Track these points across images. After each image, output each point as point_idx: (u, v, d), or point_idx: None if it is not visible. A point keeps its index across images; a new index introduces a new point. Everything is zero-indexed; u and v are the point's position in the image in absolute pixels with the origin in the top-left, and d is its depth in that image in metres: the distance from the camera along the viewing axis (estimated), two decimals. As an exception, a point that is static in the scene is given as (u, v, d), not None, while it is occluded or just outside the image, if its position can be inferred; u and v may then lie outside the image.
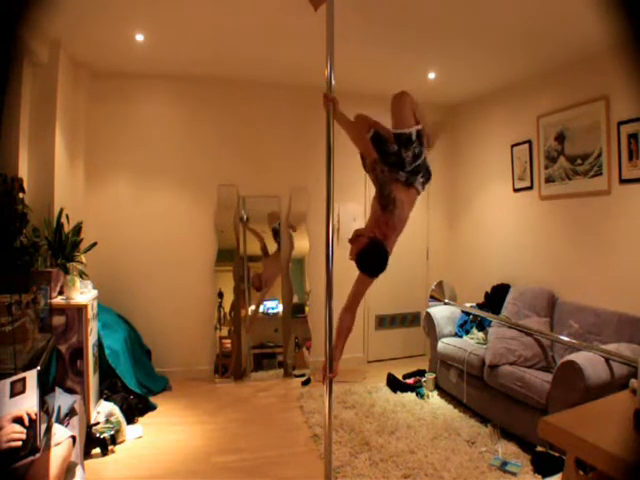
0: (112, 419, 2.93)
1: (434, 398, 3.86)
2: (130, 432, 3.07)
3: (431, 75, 4.16)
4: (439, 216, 5.28)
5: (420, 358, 4.94)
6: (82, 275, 3.18)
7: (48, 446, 1.68)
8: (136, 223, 4.24)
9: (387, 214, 2.05)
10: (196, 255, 4.38)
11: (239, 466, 2.73)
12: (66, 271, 3.00)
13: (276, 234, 4.55)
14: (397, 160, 2.10)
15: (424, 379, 4.08)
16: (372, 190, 2.10)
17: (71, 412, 2.28)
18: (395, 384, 4.08)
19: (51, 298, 2.75)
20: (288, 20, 3.02)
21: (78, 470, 1.91)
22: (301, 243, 4.59)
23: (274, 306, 4.55)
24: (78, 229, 3.23)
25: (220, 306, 4.36)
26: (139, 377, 3.70)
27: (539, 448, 2.66)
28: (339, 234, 4.69)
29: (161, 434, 3.13)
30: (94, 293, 3.26)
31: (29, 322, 2.20)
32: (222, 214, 4.44)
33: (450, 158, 5.20)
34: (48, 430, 1.76)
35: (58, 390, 2.45)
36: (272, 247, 4.55)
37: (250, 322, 4.42)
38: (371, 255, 1.98)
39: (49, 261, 2.99)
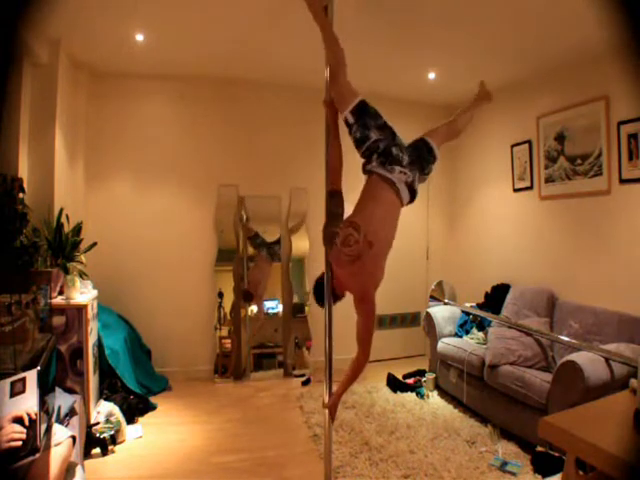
0: (112, 419, 2.93)
1: (434, 398, 3.86)
2: (130, 432, 3.07)
3: (431, 75, 4.16)
4: (439, 216, 5.29)
5: (420, 358, 4.95)
6: (82, 275, 3.18)
7: (48, 446, 1.67)
8: (136, 223, 4.24)
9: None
10: (196, 255, 4.38)
11: (239, 466, 2.73)
12: (66, 271, 3.00)
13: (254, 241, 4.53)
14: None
15: (424, 379, 4.08)
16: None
17: (71, 412, 2.28)
18: (395, 384, 4.08)
19: (51, 298, 2.75)
20: (288, 20, 3.02)
21: (78, 470, 1.91)
22: (301, 243, 4.59)
23: (274, 306, 4.55)
24: (78, 229, 3.23)
25: (220, 306, 4.36)
26: (139, 377, 3.70)
27: (539, 448, 2.66)
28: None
29: (161, 434, 3.13)
30: (94, 293, 3.26)
31: (29, 322, 2.20)
32: (222, 214, 4.44)
33: (450, 158, 5.20)
34: (48, 430, 1.76)
35: (58, 390, 2.44)
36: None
37: (259, 328, 4.44)
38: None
39: (49, 261, 2.99)
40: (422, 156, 1.95)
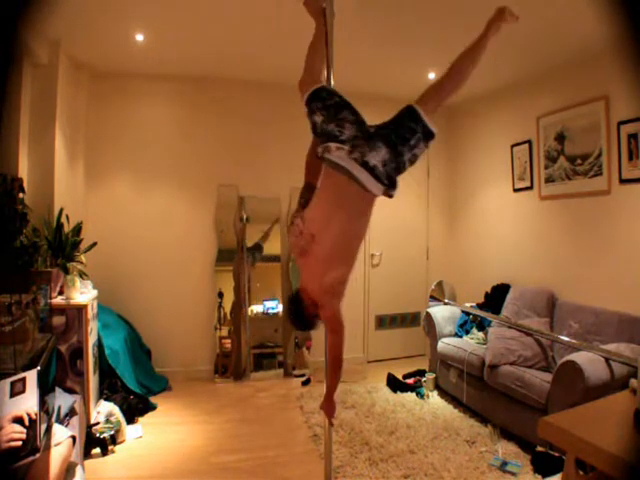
0: (112, 419, 2.93)
1: (434, 398, 3.86)
2: (130, 432, 3.07)
3: (431, 75, 4.16)
4: (439, 216, 5.28)
5: (420, 358, 4.94)
6: (82, 275, 3.18)
7: (48, 446, 1.67)
8: (136, 223, 4.25)
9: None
10: (196, 255, 4.38)
11: (239, 466, 2.73)
12: (66, 271, 3.00)
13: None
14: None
15: (424, 379, 4.08)
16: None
17: (71, 412, 2.28)
18: (395, 384, 4.08)
19: (51, 298, 2.75)
20: (288, 20, 3.02)
21: (78, 470, 1.91)
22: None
23: (274, 306, 4.55)
24: (78, 229, 3.23)
25: (220, 306, 4.36)
26: (139, 377, 3.70)
27: (539, 448, 2.66)
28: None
29: (161, 434, 3.13)
30: (94, 293, 3.26)
31: (29, 322, 2.20)
32: (222, 214, 4.45)
33: (450, 158, 5.21)
34: (48, 430, 1.76)
35: (58, 390, 2.44)
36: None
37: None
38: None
39: (49, 261, 2.99)
40: (401, 125, 1.55)
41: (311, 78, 1.75)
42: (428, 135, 1.56)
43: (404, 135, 1.54)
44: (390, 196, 1.63)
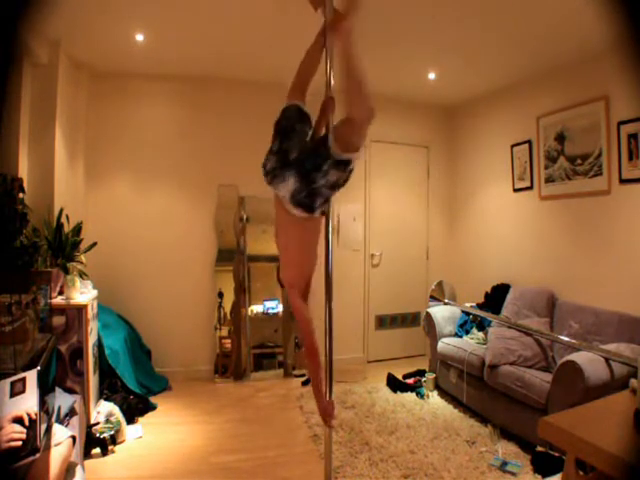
0: (112, 419, 2.93)
1: (434, 398, 3.86)
2: (130, 432, 3.07)
3: (431, 75, 4.16)
4: (439, 216, 5.28)
5: (420, 358, 4.94)
6: (82, 275, 3.18)
7: (48, 446, 1.67)
8: (136, 223, 4.24)
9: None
10: (196, 255, 4.38)
11: (239, 466, 2.73)
12: (66, 271, 3.00)
13: None
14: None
15: (424, 379, 4.08)
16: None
17: (71, 412, 2.28)
18: (395, 384, 4.08)
19: (51, 298, 2.75)
20: (288, 20, 3.02)
21: (78, 470, 1.91)
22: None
23: (274, 306, 4.55)
24: (78, 229, 3.23)
25: (220, 306, 4.36)
26: (139, 377, 3.70)
27: (539, 448, 2.66)
28: (339, 235, 4.70)
29: (161, 434, 3.13)
30: (94, 293, 3.26)
31: (29, 322, 2.20)
32: (222, 214, 4.44)
33: (450, 158, 5.21)
34: (48, 430, 1.76)
35: (58, 390, 2.44)
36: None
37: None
38: None
39: (49, 261, 2.99)
40: (317, 152, 1.57)
41: (290, 93, 1.89)
42: (340, 162, 1.54)
43: (316, 162, 1.54)
44: (322, 213, 1.69)
